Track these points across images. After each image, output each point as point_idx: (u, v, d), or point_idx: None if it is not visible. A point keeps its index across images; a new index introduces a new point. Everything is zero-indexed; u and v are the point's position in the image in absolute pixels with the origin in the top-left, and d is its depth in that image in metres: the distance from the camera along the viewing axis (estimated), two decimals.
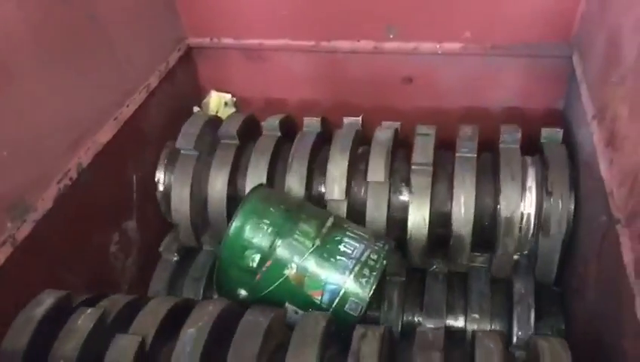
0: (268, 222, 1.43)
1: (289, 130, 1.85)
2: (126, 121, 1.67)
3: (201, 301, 1.37)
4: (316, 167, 1.72)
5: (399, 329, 1.58)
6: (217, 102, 2.18)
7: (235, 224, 1.43)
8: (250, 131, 1.81)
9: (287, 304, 1.38)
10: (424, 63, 1.97)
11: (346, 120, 1.80)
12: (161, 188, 1.80)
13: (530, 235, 1.59)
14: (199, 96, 2.20)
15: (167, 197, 1.73)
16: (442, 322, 1.56)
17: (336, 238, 1.44)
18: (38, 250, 1.33)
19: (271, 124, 1.77)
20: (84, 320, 1.12)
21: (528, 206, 1.56)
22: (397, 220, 1.63)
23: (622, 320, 1.11)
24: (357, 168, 1.68)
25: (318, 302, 1.38)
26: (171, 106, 1.94)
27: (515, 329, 1.50)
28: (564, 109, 1.91)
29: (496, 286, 1.62)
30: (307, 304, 1.37)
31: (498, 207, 1.53)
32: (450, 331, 1.55)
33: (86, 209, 1.51)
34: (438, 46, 1.91)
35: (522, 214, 1.55)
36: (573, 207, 1.54)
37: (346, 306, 1.37)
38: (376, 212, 1.60)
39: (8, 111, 1.27)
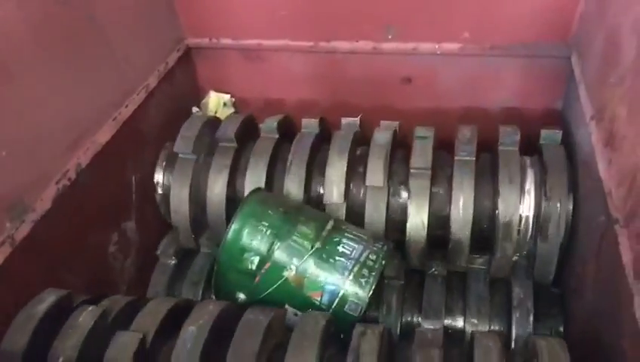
0: (266, 224, 1.44)
1: (287, 130, 1.85)
2: (125, 122, 1.67)
3: (202, 301, 1.38)
4: (315, 169, 1.72)
5: (398, 332, 1.57)
6: (216, 102, 2.18)
7: (233, 227, 1.44)
8: (248, 132, 1.81)
9: (286, 306, 1.38)
10: (423, 64, 1.97)
11: (344, 120, 1.80)
12: (160, 190, 1.80)
13: (528, 237, 1.59)
14: (198, 97, 2.20)
15: (167, 199, 1.73)
16: (441, 325, 1.55)
17: (335, 239, 1.44)
18: (37, 250, 1.33)
19: (269, 126, 1.77)
20: (85, 318, 1.12)
21: (527, 209, 1.56)
22: (396, 222, 1.63)
23: (620, 319, 1.11)
24: (356, 171, 1.68)
25: (318, 303, 1.38)
26: (170, 107, 1.94)
27: (513, 333, 1.50)
28: (563, 109, 1.91)
29: (495, 289, 1.61)
30: (307, 305, 1.37)
31: (497, 210, 1.54)
32: (448, 333, 1.56)
33: (85, 209, 1.51)
34: (436, 46, 1.91)
35: (521, 217, 1.55)
36: (571, 210, 1.55)
37: (346, 307, 1.37)
38: (375, 215, 1.61)
39: (7, 112, 1.27)
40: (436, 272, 1.63)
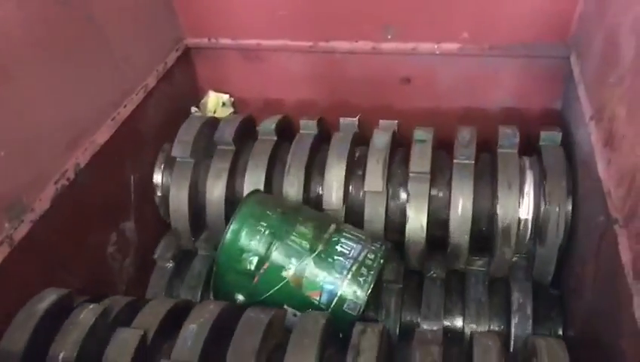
0: (265, 224, 1.44)
1: (286, 130, 1.86)
2: (124, 122, 1.66)
3: (202, 301, 1.38)
4: (314, 169, 1.72)
5: (397, 334, 1.57)
6: (215, 102, 2.18)
7: (232, 227, 1.44)
8: (247, 133, 1.81)
9: (285, 306, 1.38)
10: (422, 64, 1.97)
11: (343, 120, 1.80)
12: (159, 193, 1.80)
13: (527, 239, 1.59)
14: (197, 97, 2.20)
15: (166, 201, 1.73)
16: (440, 327, 1.55)
17: (334, 239, 1.44)
18: (36, 250, 1.32)
19: (267, 129, 1.77)
20: (87, 315, 1.13)
21: (525, 212, 1.56)
22: (395, 223, 1.64)
23: (620, 319, 1.11)
24: (355, 173, 1.68)
25: (317, 303, 1.38)
26: (169, 107, 1.94)
27: (512, 338, 1.50)
28: (562, 109, 1.91)
29: (494, 291, 1.61)
30: (306, 305, 1.37)
31: (496, 214, 1.54)
32: (447, 336, 1.55)
33: (83, 209, 1.51)
34: (436, 46, 1.91)
35: (520, 220, 1.55)
36: (570, 215, 1.55)
37: (345, 306, 1.37)
38: (374, 218, 1.61)
39: (6, 112, 1.27)
40: (435, 275, 1.62)
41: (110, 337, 1.10)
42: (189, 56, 2.11)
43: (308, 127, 1.78)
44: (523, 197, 1.56)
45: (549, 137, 1.64)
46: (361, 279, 1.39)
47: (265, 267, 1.41)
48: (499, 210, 1.53)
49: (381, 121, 1.79)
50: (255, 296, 1.42)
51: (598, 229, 1.31)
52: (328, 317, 1.15)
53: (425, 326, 1.55)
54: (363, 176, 1.63)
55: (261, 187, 1.67)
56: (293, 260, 1.40)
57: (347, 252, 1.42)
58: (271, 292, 1.40)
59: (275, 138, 1.76)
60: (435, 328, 1.54)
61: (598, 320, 1.27)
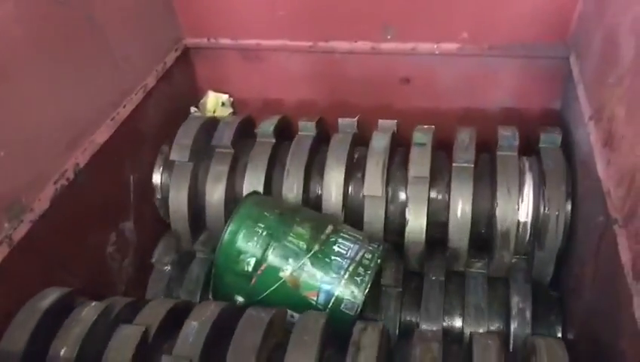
0: (262, 226, 1.44)
1: (285, 131, 1.86)
2: (123, 122, 1.66)
3: (203, 301, 1.38)
4: (314, 170, 1.72)
5: (396, 336, 1.57)
6: (214, 102, 2.18)
7: (229, 229, 1.44)
8: (245, 135, 1.81)
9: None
10: (422, 64, 1.97)
11: (341, 121, 1.80)
12: (158, 195, 1.81)
13: (526, 241, 1.60)
14: (196, 97, 2.19)
15: (166, 203, 1.74)
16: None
17: (331, 239, 1.44)
18: (35, 250, 1.32)
19: (265, 131, 1.77)
20: (89, 312, 1.14)
21: (524, 215, 1.57)
22: (395, 224, 1.65)
23: (619, 320, 1.11)
24: (354, 176, 1.69)
25: (314, 303, 1.38)
26: (168, 106, 1.94)
27: (511, 341, 1.50)
28: (562, 110, 1.91)
29: (494, 293, 1.60)
30: (303, 305, 1.36)
31: (495, 218, 1.54)
32: (447, 338, 1.55)
33: (83, 209, 1.50)
34: (435, 46, 1.91)
35: (519, 222, 1.56)
36: (569, 219, 1.55)
37: (342, 305, 1.37)
38: (374, 221, 1.62)
39: (5, 112, 1.27)
40: (434, 278, 1.61)
41: (111, 334, 1.10)
42: (188, 56, 2.11)
43: (307, 129, 1.78)
44: (522, 201, 1.56)
45: (549, 139, 1.64)
46: (358, 279, 1.39)
47: (262, 268, 1.41)
48: (498, 214, 1.54)
49: (380, 121, 1.79)
50: (253, 297, 1.42)
51: (597, 229, 1.31)
52: (328, 316, 1.15)
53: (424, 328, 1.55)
54: (362, 178, 1.63)
55: (260, 190, 1.67)
56: (291, 261, 1.40)
57: (344, 252, 1.42)
58: (268, 292, 1.41)
59: (274, 140, 1.76)
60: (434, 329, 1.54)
61: (598, 321, 1.27)
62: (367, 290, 1.38)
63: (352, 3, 1.88)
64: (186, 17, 2.02)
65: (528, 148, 1.67)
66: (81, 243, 1.51)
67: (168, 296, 1.72)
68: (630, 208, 1.13)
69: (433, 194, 1.62)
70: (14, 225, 1.27)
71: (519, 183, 1.55)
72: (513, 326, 1.50)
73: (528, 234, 1.58)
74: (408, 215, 1.57)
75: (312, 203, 1.70)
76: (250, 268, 1.41)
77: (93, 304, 1.16)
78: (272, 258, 1.41)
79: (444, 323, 1.56)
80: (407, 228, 1.57)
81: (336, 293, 1.38)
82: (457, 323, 1.57)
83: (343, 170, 1.64)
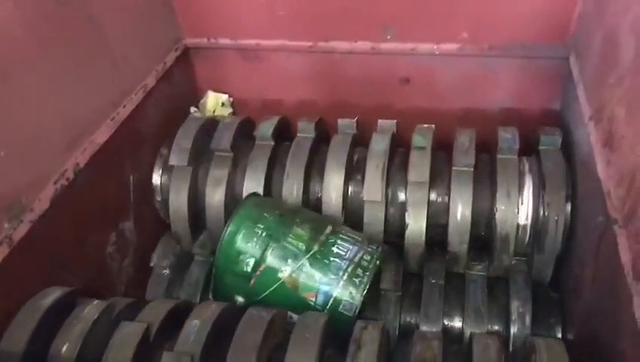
0: (262, 226, 1.44)
1: (284, 131, 1.86)
2: (123, 122, 1.66)
3: (203, 302, 1.39)
4: (313, 172, 1.72)
5: (396, 338, 1.57)
6: (214, 102, 2.18)
7: (229, 229, 1.44)
8: (245, 136, 1.81)
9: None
10: (421, 64, 1.97)
11: (341, 121, 1.80)
12: (158, 197, 1.81)
13: (526, 242, 1.60)
14: (196, 97, 2.19)
15: (166, 205, 1.74)
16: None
17: (330, 240, 1.44)
18: (35, 250, 1.32)
19: (264, 134, 1.77)
20: (91, 310, 1.15)
21: (524, 218, 1.57)
22: (395, 226, 1.65)
23: (620, 320, 1.11)
24: (354, 178, 1.69)
25: (313, 304, 1.38)
26: (168, 106, 1.94)
27: (511, 347, 1.50)
28: (562, 110, 1.91)
29: (494, 298, 1.59)
30: (302, 306, 1.37)
31: (494, 222, 1.55)
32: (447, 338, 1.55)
33: (83, 209, 1.50)
34: (435, 47, 1.91)
35: (518, 225, 1.56)
36: (569, 222, 1.55)
37: (340, 307, 1.38)
38: (373, 224, 1.62)
39: (5, 112, 1.27)
40: (433, 281, 1.61)
41: (113, 332, 1.10)
42: (188, 56, 2.11)
43: (306, 130, 1.77)
44: (522, 203, 1.56)
45: (549, 141, 1.63)
46: (356, 280, 1.39)
47: (261, 269, 1.41)
48: (498, 218, 1.54)
49: (380, 121, 1.79)
50: (252, 298, 1.42)
51: (597, 229, 1.31)
52: (328, 316, 1.16)
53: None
54: (362, 180, 1.63)
55: (260, 192, 1.67)
56: (290, 262, 1.40)
57: (343, 253, 1.42)
58: (267, 293, 1.41)
59: (273, 143, 1.76)
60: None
61: (598, 321, 1.28)
62: (365, 291, 1.38)
63: (352, 3, 1.88)
64: (186, 17, 2.02)
65: (528, 148, 1.67)
66: (81, 243, 1.51)
67: (168, 298, 1.71)
68: (630, 208, 1.13)
69: (433, 197, 1.62)
70: (14, 225, 1.27)
71: (519, 186, 1.55)
72: (513, 330, 1.50)
73: (528, 236, 1.58)
74: (408, 219, 1.58)
75: (312, 205, 1.70)
76: (249, 269, 1.42)
77: (95, 302, 1.17)
78: (271, 259, 1.41)
79: (444, 327, 1.55)
80: (407, 232, 1.58)
81: (334, 294, 1.38)
82: (457, 327, 1.57)
83: (343, 173, 1.64)
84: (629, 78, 1.26)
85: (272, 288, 1.40)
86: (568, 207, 1.54)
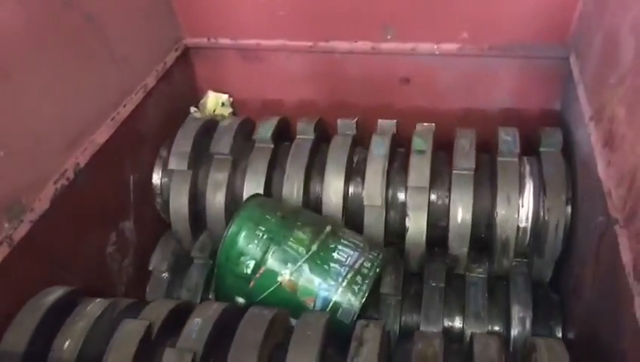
0: (263, 229, 1.44)
1: (284, 131, 1.86)
2: (123, 122, 1.66)
3: (205, 301, 1.39)
4: (313, 174, 1.72)
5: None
6: (214, 102, 2.17)
7: (231, 230, 1.44)
8: (245, 137, 1.81)
9: None
10: (421, 64, 1.97)
11: (340, 122, 1.80)
12: (159, 199, 1.81)
13: (526, 244, 1.60)
14: (196, 97, 2.19)
15: (167, 206, 1.74)
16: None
17: (331, 246, 1.44)
18: (35, 250, 1.32)
19: (263, 137, 1.76)
20: (93, 308, 1.15)
21: (524, 220, 1.57)
22: (396, 228, 1.65)
23: (620, 320, 1.11)
24: (354, 180, 1.69)
25: (311, 309, 1.38)
26: (168, 106, 1.93)
27: (511, 349, 1.50)
28: (562, 110, 1.91)
29: (494, 301, 1.60)
30: (300, 310, 1.36)
31: (495, 226, 1.55)
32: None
33: (83, 209, 1.50)
34: (435, 47, 1.91)
35: (518, 228, 1.56)
36: (569, 225, 1.55)
37: (338, 313, 1.37)
38: (374, 228, 1.63)
39: (5, 112, 1.26)
40: (434, 284, 1.60)
41: (115, 330, 1.10)
42: (188, 56, 2.11)
43: (305, 132, 1.77)
44: (522, 206, 1.56)
45: (550, 142, 1.63)
46: (355, 287, 1.39)
47: (261, 271, 1.41)
48: (498, 222, 1.54)
49: (380, 121, 1.80)
50: (252, 299, 1.42)
51: (598, 230, 1.31)
52: (329, 316, 1.16)
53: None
54: (362, 182, 1.64)
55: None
56: (289, 265, 1.40)
57: (343, 259, 1.42)
58: (266, 296, 1.41)
59: (272, 146, 1.75)
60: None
61: (599, 321, 1.28)
62: (364, 299, 1.38)
63: (352, 3, 1.88)
64: (186, 17, 2.02)
65: (529, 147, 1.67)
66: (81, 243, 1.50)
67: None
68: (631, 208, 1.13)
69: (433, 198, 1.62)
70: (15, 225, 1.26)
71: (519, 189, 1.55)
72: (513, 334, 1.50)
73: (528, 237, 1.58)
74: (408, 223, 1.58)
75: (312, 206, 1.70)
76: (249, 271, 1.42)
77: (98, 300, 1.17)
78: (272, 261, 1.41)
79: (444, 331, 1.55)
80: (408, 235, 1.58)
81: (333, 300, 1.38)
82: (457, 332, 1.57)
83: (343, 176, 1.64)
84: (630, 77, 1.26)
85: (271, 291, 1.40)
86: (569, 211, 1.55)
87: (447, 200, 1.59)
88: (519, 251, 1.61)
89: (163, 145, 1.84)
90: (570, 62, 1.79)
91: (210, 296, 1.67)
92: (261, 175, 1.69)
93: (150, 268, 1.76)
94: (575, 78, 1.70)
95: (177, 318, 1.17)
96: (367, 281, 1.40)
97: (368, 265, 1.43)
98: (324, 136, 1.83)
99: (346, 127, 1.79)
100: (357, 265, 1.42)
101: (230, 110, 2.20)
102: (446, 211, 1.58)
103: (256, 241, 1.43)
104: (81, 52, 1.52)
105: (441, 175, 1.64)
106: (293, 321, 1.31)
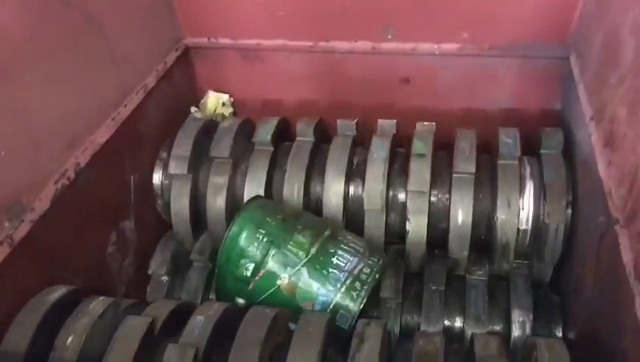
0: (264, 231, 1.44)
1: (284, 132, 1.86)
2: (124, 121, 1.66)
3: (206, 301, 1.39)
4: (313, 175, 1.72)
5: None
6: (215, 102, 2.17)
7: (232, 230, 1.45)
8: (245, 138, 1.81)
9: None
10: (422, 64, 1.97)
11: (340, 122, 1.80)
12: (160, 200, 1.81)
13: (526, 245, 1.60)
14: (197, 97, 2.19)
15: (168, 208, 1.75)
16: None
17: (330, 251, 1.44)
18: (36, 250, 1.32)
19: (263, 139, 1.76)
20: (96, 305, 1.16)
21: (524, 223, 1.57)
22: (396, 229, 1.66)
23: (621, 319, 1.11)
24: (354, 181, 1.69)
25: None
26: (169, 106, 1.93)
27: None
28: (562, 110, 1.91)
29: (494, 303, 1.60)
30: (299, 314, 1.36)
31: (495, 229, 1.55)
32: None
33: (83, 209, 1.50)
34: (435, 47, 1.91)
35: (519, 230, 1.56)
36: (569, 228, 1.55)
37: (336, 319, 1.37)
38: (374, 230, 1.63)
39: (5, 112, 1.26)
40: (434, 288, 1.60)
41: (118, 326, 1.10)
42: (188, 56, 2.10)
43: (305, 133, 1.77)
44: (522, 208, 1.56)
45: (551, 144, 1.63)
46: (354, 293, 1.39)
47: (260, 274, 1.41)
48: (498, 226, 1.55)
49: (380, 121, 1.80)
50: (251, 301, 1.42)
51: (598, 229, 1.31)
52: (330, 316, 1.16)
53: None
54: (362, 183, 1.64)
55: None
56: (289, 269, 1.40)
57: (343, 264, 1.42)
58: (265, 299, 1.41)
59: (272, 148, 1.75)
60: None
61: (599, 320, 1.28)
62: (362, 306, 1.38)
63: (352, 3, 1.88)
64: (186, 17, 2.02)
65: (529, 147, 1.67)
66: (81, 243, 1.50)
67: None
68: (631, 208, 1.13)
69: (433, 200, 1.62)
70: (15, 225, 1.26)
71: (520, 191, 1.55)
72: (513, 336, 1.50)
73: (528, 239, 1.58)
74: (409, 226, 1.58)
75: (312, 207, 1.70)
76: (248, 274, 1.42)
77: (100, 298, 1.18)
78: (272, 264, 1.41)
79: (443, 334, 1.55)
80: (408, 239, 1.58)
81: (330, 306, 1.38)
82: (457, 334, 1.56)
83: (343, 178, 1.65)
84: (630, 77, 1.26)
85: (270, 293, 1.40)
86: (569, 214, 1.55)
87: (447, 203, 1.59)
88: (519, 252, 1.61)
89: (163, 146, 1.84)
90: (570, 62, 1.79)
91: (211, 297, 1.67)
92: (261, 177, 1.69)
93: (149, 271, 1.76)
94: (575, 78, 1.70)
95: (179, 318, 1.17)
96: (365, 287, 1.40)
97: (367, 271, 1.43)
98: (324, 136, 1.83)
99: (345, 127, 1.79)
100: (356, 271, 1.41)
101: (231, 110, 2.20)
102: (446, 213, 1.58)
103: (256, 244, 1.43)
104: (82, 52, 1.52)
105: (441, 176, 1.64)
106: (292, 326, 1.31)
